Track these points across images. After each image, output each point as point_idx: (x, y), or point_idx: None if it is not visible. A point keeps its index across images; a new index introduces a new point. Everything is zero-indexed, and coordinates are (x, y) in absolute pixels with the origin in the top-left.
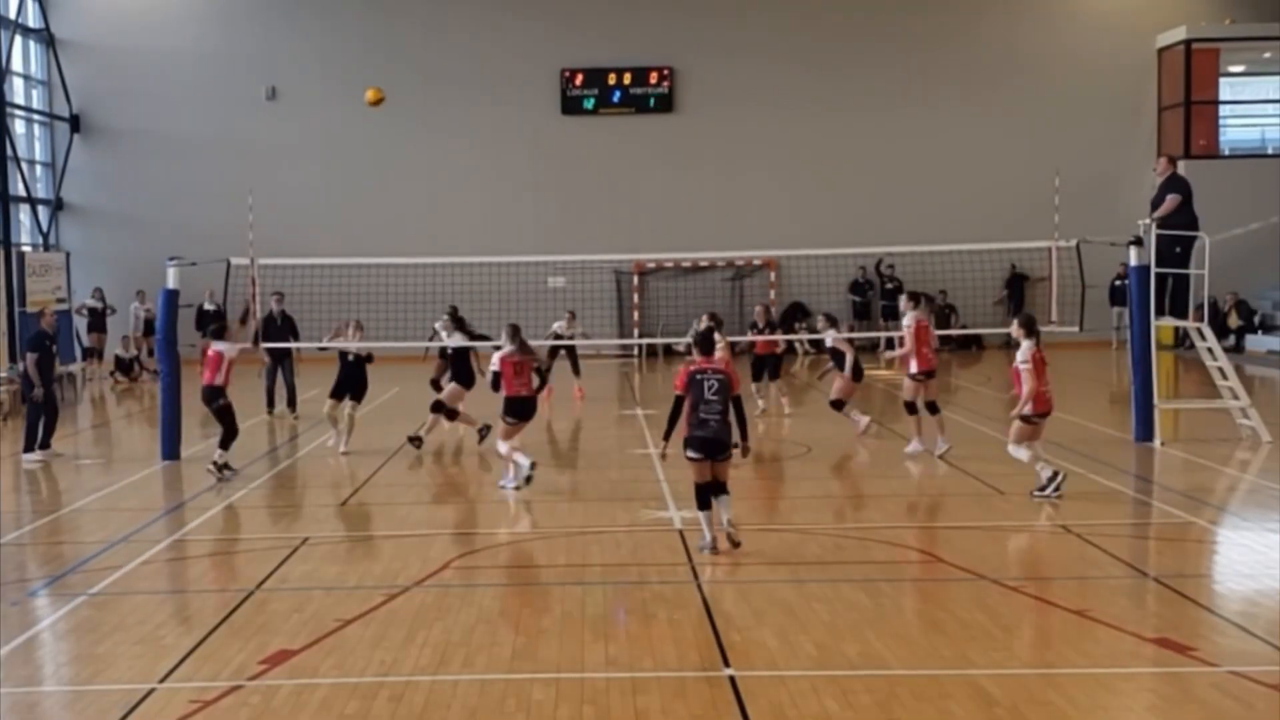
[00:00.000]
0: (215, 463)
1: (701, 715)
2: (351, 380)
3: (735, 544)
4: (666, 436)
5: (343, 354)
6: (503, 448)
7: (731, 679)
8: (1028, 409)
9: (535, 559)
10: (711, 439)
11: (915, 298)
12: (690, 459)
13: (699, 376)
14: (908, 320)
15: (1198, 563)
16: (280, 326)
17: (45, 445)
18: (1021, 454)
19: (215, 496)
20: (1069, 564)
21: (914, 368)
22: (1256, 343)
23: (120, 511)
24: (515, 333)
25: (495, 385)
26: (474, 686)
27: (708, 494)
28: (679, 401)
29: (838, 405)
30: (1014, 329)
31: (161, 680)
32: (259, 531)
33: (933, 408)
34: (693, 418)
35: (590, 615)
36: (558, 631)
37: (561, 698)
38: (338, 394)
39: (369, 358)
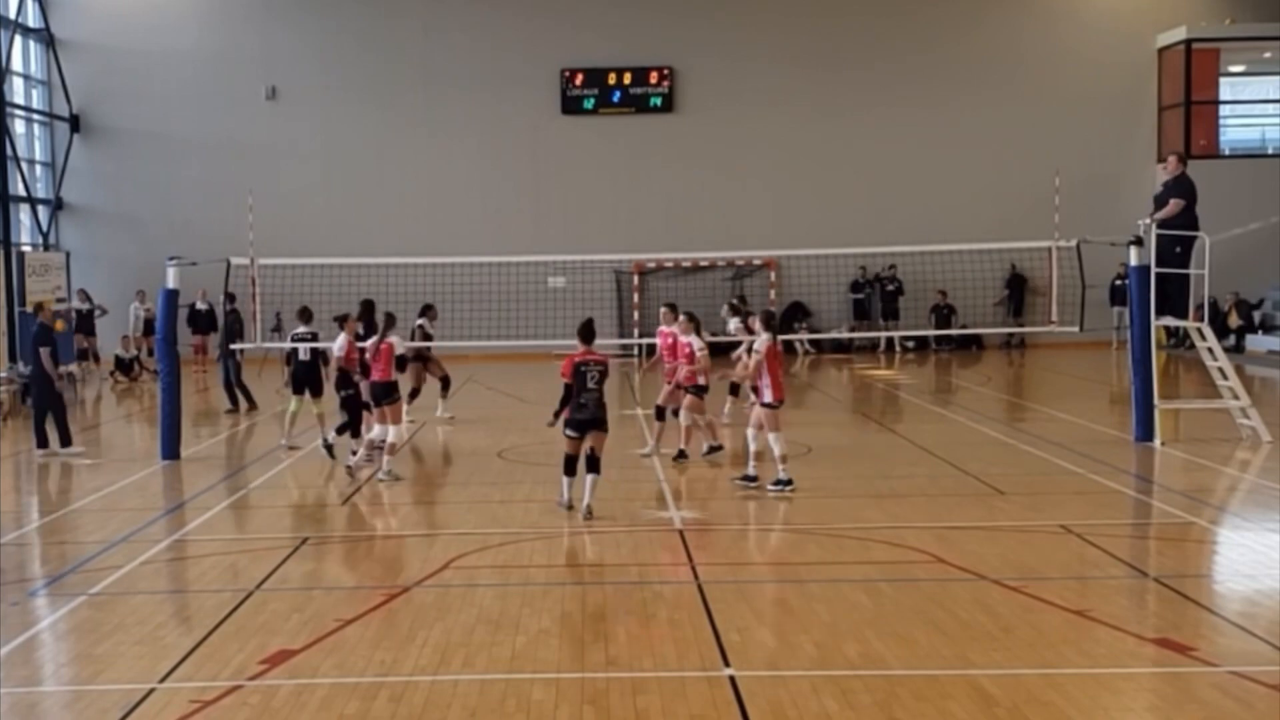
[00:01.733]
0: (369, 456)
1: (701, 715)
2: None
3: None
4: (556, 415)
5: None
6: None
7: (731, 679)
8: (768, 396)
9: (535, 559)
10: (588, 420)
11: (672, 308)
12: (568, 436)
13: (583, 368)
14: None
15: (1198, 563)
16: (229, 325)
17: (67, 442)
18: (776, 444)
19: (215, 496)
20: (1069, 564)
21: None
22: (1257, 342)
23: (120, 511)
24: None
25: (365, 372)
26: (474, 686)
27: (574, 464)
28: (568, 390)
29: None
30: (755, 323)
31: (161, 680)
32: (259, 531)
33: (675, 412)
34: (573, 402)
35: (590, 615)
36: (558, 631)
37: (561, 698)
38: (298, 390)
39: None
